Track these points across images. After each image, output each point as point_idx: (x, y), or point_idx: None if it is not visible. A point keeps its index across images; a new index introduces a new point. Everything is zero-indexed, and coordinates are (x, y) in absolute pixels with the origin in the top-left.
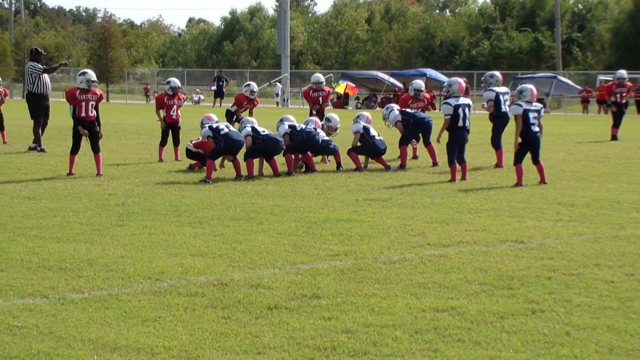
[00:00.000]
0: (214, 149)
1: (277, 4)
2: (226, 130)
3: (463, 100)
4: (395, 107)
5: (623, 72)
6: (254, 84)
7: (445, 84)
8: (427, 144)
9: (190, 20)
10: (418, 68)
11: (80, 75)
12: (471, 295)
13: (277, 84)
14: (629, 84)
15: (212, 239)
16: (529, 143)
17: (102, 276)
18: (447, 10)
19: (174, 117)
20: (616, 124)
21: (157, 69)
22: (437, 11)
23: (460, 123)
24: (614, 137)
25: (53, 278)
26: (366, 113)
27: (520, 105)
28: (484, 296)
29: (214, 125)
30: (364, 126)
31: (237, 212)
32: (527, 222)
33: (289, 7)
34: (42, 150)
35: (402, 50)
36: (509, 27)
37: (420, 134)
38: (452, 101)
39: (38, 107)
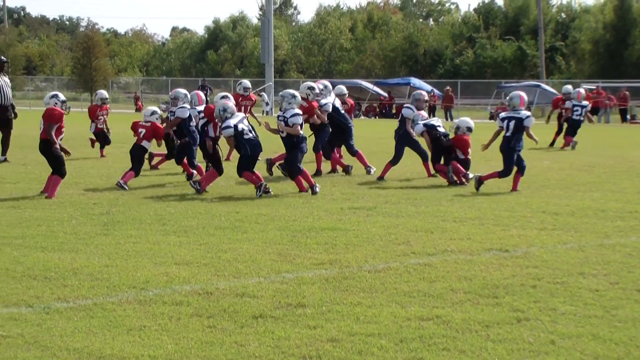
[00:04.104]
0: (242, 161)
1: (260, 13)
2: (250, 135)
3: (514, 113)
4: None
5: (569, 87)
6: (246, 81)
7: (507, 98)
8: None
9: (174, 29)
10: (402, 77)
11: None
12: (456, 304)
13: (262, 93)
14: (589, 95)
15: (197, 247)
16: None
17: (87, 285)
18: (431, 19)
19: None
20: (571, 132)
21: (141, 78)
22: (421, 20)
23: (507, 134)
24: (568, 144)
25: (38, 287)
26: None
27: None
28: (469, 305)
29: (239, 127)
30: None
31: (222, 221)
32: (512, 231)
33: (273, 16)
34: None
35: (386, 59)
36: (493, 35)
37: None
38: (503, 114)
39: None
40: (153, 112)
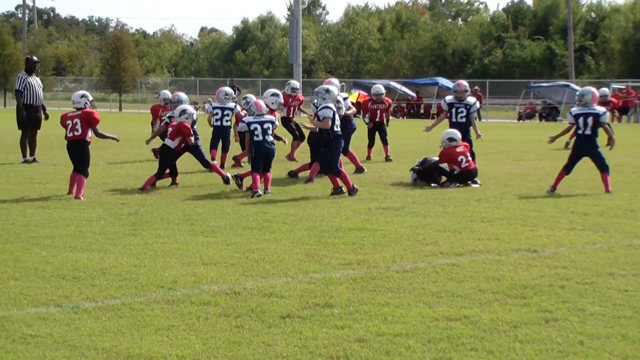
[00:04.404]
0: (253, 161)
1: (288, 13)
2: (260, 138)
3: (589, 109)
4: None
5: (380, 87)
6: (294, 81)
7: (578, 93)
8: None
9: (203, 29)
10: (430, 77)
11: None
12: (484, 304)
13: None
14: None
15: (224, 247)
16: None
17: (115, 285)
18: (460, 19)
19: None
20: (371, 143)
21: (170, 79)
22: (449, 20)
23: (580, 131)
24: (368, 158)
25: (66, 287)
26: None
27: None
28: (497, 305)
29: (252, 127)
30: None
31: (250, 221)
32: (540, 231)
33: (301, 16)
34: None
35: (414, 59)
36: (522, 35)
37: None
38: (575, 110)
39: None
40: (182, 112)
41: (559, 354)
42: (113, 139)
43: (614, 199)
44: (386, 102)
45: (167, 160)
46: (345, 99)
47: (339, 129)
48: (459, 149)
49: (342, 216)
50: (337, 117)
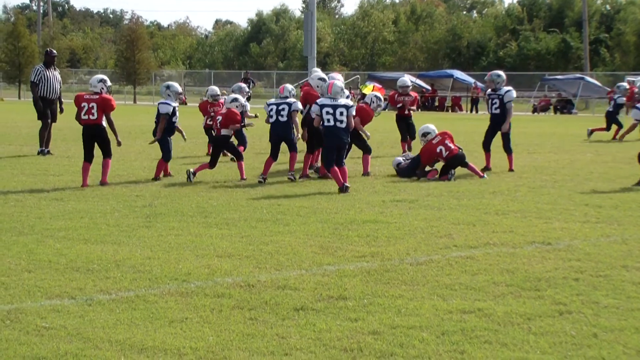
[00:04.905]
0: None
1: (303, 5)
2: (275, 117)
3: None
4: None
5: (405, 80)
6: (214, 87)
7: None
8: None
9: (217, 22)
10: (445, 69)
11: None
12: (498, 297)
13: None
14: (413, 93)
15: (238, 240)
16: None
17: (129, 277)
18: (474, 12)
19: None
20: (403, 137)
21: (184, 71)
22: (464, 12)
23: None
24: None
25: (80, 279)
26: None
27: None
28: (510, 298)
29: (267, 109)
30: None
31: (264, 214)
32: (555, 224)
33: (316, 9)
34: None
35: (429, 51)
36: (537, 28)
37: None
38: None
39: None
40: (233, 100)
41: (573, 347)
42: (116, 137)
43: (628, 191)
44: (412, 95)
45: (229, 146)
46: (347, 97)
47: (332, 122)
48: (434, 141)
49: (356, 209)
50: (337, 111)
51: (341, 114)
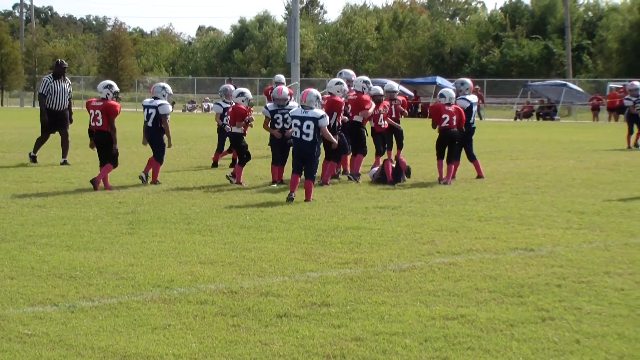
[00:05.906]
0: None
1: (286, 12)
2: (281, 125)
3: None
4: None
5: (392, 85)
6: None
7: None
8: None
9: (200, 28)
10: (428, 76)
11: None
12: (481, 303)
13: None
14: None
15: (221, 247)
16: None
17: (112, 284)
18: (457, 18)
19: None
20: (389, 146)
21: (168, 77)
22: (447, 19)
23: None
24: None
25: (63, 286)
26: None
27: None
28: (493, 304)
29: (272, 114)
30: None
31: (247, 220)
32: (537, 230)
33: (299, 15)
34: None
35: (412, 58)
36: (519, 34)
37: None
38: None
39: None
40: (240, 94)
41: (556, 353)
42: (113, 143)
43: (610, 197)
44: (399, 99)
45: (241, 145)
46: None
47: (297, 135)
48: (446, 107)
49: (339, 215)
50: (304, 124)
51: (308, 127)
